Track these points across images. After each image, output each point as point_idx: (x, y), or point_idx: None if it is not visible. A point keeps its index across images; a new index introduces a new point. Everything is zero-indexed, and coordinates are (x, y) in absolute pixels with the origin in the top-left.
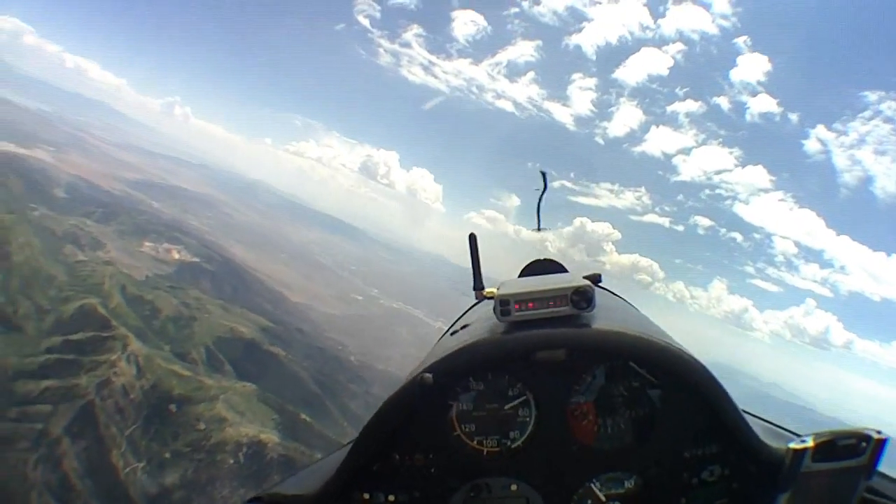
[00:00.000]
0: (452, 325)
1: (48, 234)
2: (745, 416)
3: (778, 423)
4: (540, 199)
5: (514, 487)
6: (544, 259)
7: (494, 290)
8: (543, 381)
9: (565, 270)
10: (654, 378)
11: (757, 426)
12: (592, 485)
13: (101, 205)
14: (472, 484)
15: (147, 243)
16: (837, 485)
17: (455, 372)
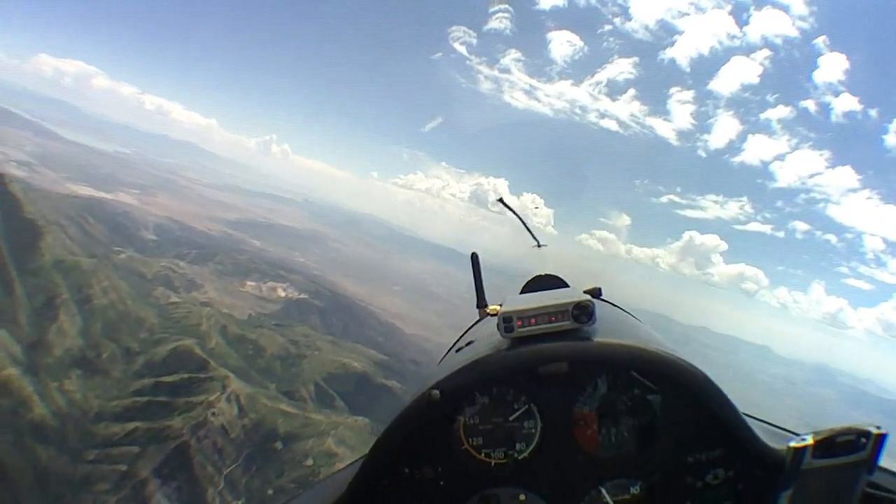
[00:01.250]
0: (456, 342)
1: (136, 277)
2: (746, 418)
3: (777, 425)
4: (521, 219)
5: (522, 497)
6: (545, 274)
7: (497, 307)
8: (547, 394)
9: (566, 285)
10: (655, 386)
11: (758, 428)
12: (599, 491)
13: (197, 246)
14: (481, 495)
15: (249, 283)
16: (839, 480)
17: (462, 388)
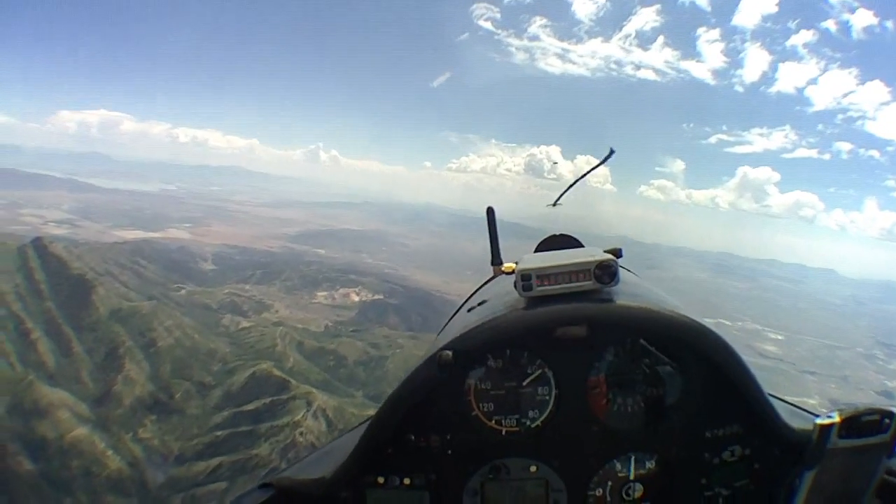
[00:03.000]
0: (467, 301)
1: (201, 310)
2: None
3: (797, 405)
4: (579, 178)
5: (533, 468)
6: (559, 234)
7: (513, 265)
8: (563, 359)
9: (581, 245)
10: (677, 356)
11: (777, 406)
12: (613, 465)
13: (260, 266)
14: (491, 465)
15: (320, 293)
16: (860, 462)
17: (476, 349)
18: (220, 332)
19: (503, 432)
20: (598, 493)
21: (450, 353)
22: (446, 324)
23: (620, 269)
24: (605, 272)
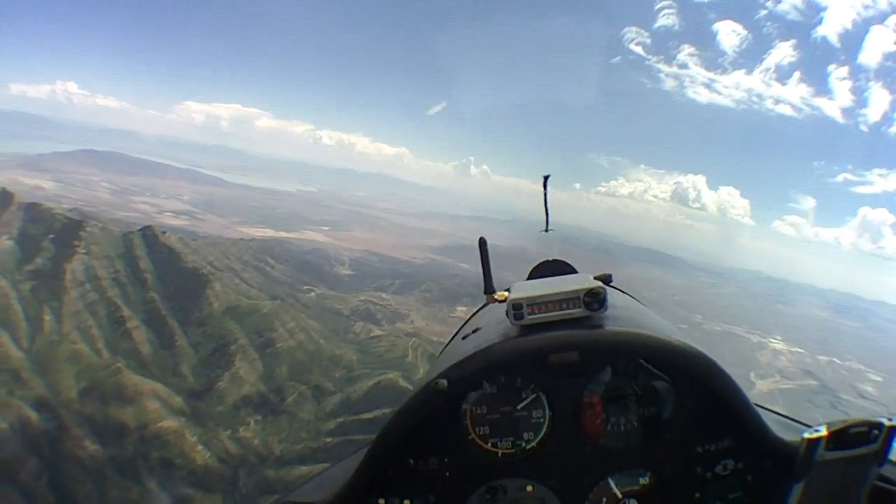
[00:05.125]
0: (461, 329)
1: (331, 315)
2: (757, 409)
3: (788, 416)
4: (545, 201)
5: (529, 488)
6: (553, 260)
7: (505, 294)
8: (556, 382)
9: (575, 271)
10: (666, 375)
11: (769, 419)
12: (607, 483)
13: (399, 275)
14: (488, 486)
15: (460, 308)
16: (850, 473)
17: (469, 376)
18: (348, 339)
19: (499, 454)
20: None
21: (445, 381)
22: (442, 351)
23: (616, 291)
24: (595, 299)
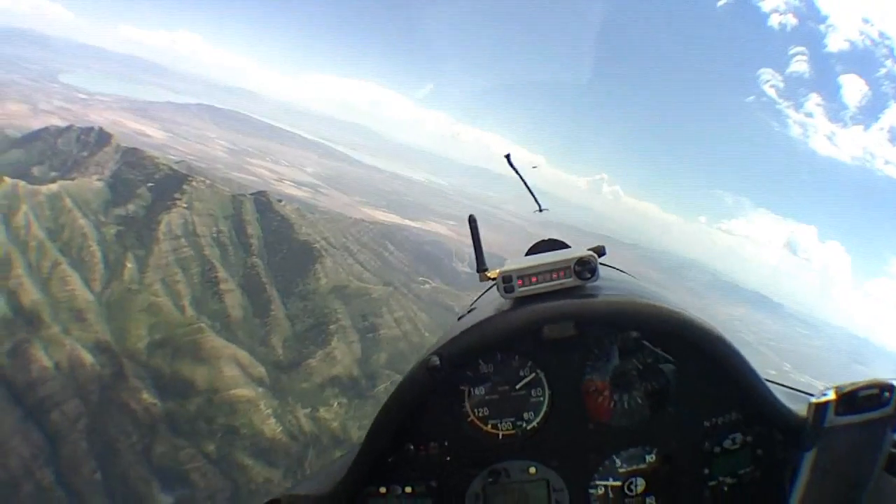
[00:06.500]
0: (461, 312)
1: (442, 309)
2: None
3: (795, 387)
4: (524, 181)
5: (532, 470)
6: (549, 239)
7: (497, 271)
8: (554, 359)
9: (570, 248)
10: (669, 348)
11: (777, 391)
12: (612, 462)
13: None
14: (490, 469)
15: None
16: (863, 439)
17: (462, 353)
18: None
19: (500, 436)
20: (599, 491)
21: (436, 357)
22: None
23: (606, 267)
24: (586, 268)
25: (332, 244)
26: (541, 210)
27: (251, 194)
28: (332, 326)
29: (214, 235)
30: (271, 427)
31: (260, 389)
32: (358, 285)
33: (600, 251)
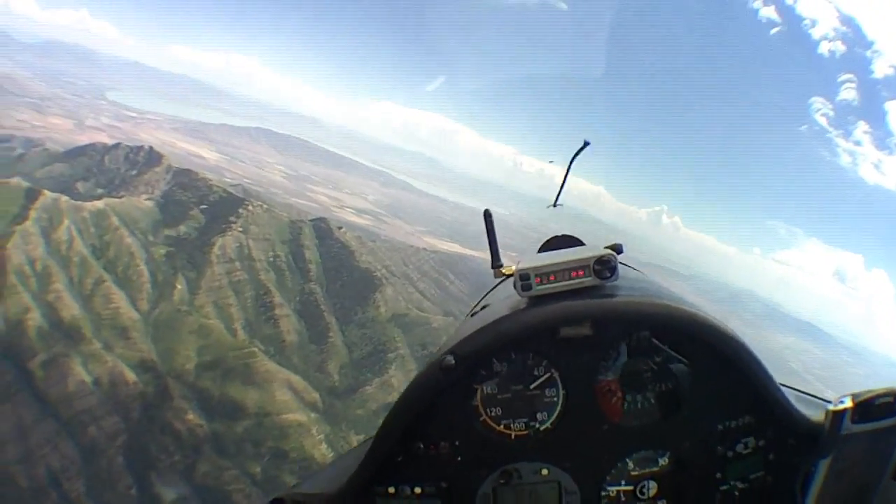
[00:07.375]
0: (473, 308)
1: None
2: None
3: (809, 392)
4: (565, 177)
5: (544, 472)
6: (562, 235)
7: (513, 267)
8: (569, 359)
9: (583, 244)
10: (684, 349)
11: (791, 395)
12: (625, 464)
13: None
14: (502, 470)
15: None
16: (877, 446)
17: (477, 353)
18: None
19: (512, 436)
20: (611, 493)
21: (451, 357)
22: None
23: (623, 265)
24: (605, 267)
25: (392, 272)
26: (555, 205)
27: (311, 220)
28: (390, 354)
29: (271, 260)
30: (322, 452)
31: (313, 415)
32: (418, 314)
33: (618, 249)
